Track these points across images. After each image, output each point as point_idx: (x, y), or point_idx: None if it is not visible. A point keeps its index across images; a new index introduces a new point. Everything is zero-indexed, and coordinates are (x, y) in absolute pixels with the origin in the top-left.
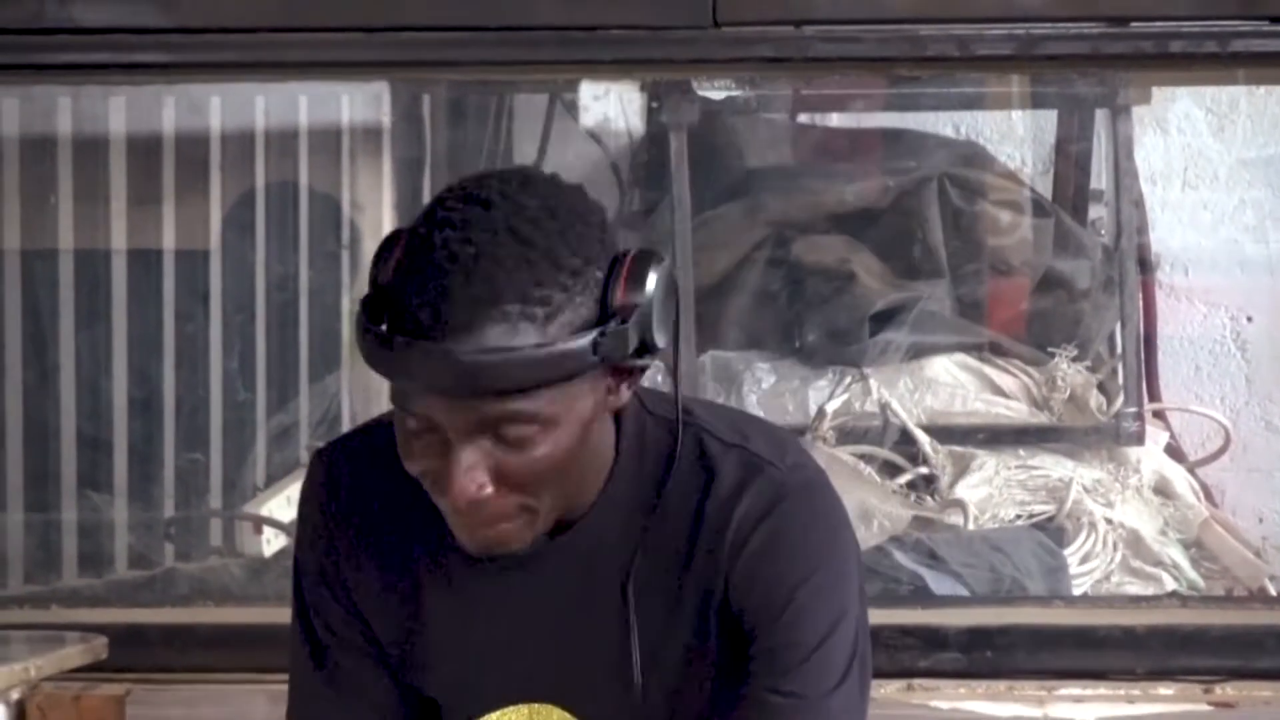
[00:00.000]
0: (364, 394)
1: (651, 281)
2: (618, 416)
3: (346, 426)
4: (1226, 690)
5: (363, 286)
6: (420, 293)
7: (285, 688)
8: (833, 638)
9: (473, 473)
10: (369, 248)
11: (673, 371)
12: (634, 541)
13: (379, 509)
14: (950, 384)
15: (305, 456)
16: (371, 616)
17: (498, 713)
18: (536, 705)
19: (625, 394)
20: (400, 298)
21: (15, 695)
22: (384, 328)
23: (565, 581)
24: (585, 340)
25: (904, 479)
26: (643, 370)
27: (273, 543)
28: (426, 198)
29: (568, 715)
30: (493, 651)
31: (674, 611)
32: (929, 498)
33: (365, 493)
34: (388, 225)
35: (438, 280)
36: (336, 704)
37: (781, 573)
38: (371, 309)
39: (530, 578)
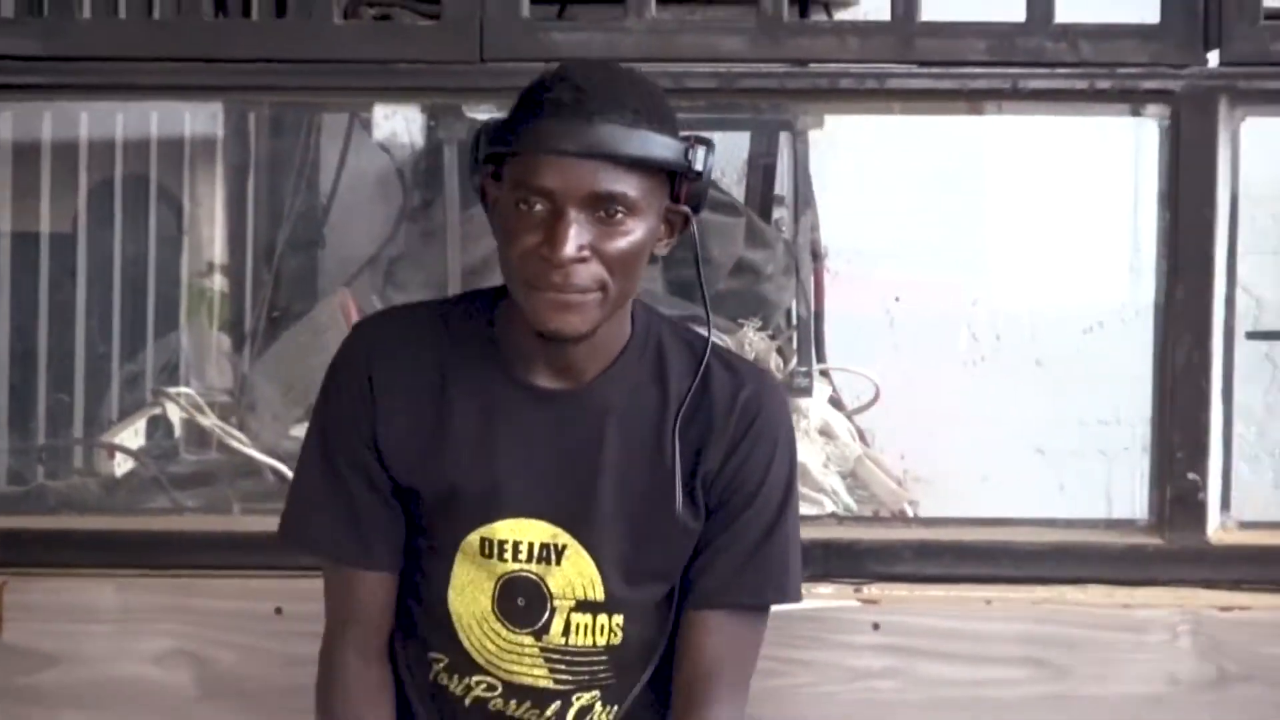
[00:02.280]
0: (198, 349)
1: (711, 159)
2: (632, 311)
3: (183, 374)
4: (872, 590)
5: (197, 265)
6: (573, 92)
7: (127, 578)
8: (791, 503)
9: (578, 235)
10: (204, 234)
11: (698, 277)
12: (652, 395)
13: (411, 357)
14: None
15: (150, 398)
16: (390, 442)
17: (512, 519)
18: (544, 521)
19: (666, 247)
20: (558, 94)
21: None
22: (540, 118)
23: (578, 426)
24: (680, 142)
25: None
26: (685, 225)
27: (122, 465)
28: (252, 197)
29: (565, 533)
30: (512, 470)
31: (659, 468)
32: None
33: (398, 348)
34: (220, 217)
35: (578, 82)
36: (343, 524)
37: (767, 459)
38: (526, 110)
39: (549, 417)
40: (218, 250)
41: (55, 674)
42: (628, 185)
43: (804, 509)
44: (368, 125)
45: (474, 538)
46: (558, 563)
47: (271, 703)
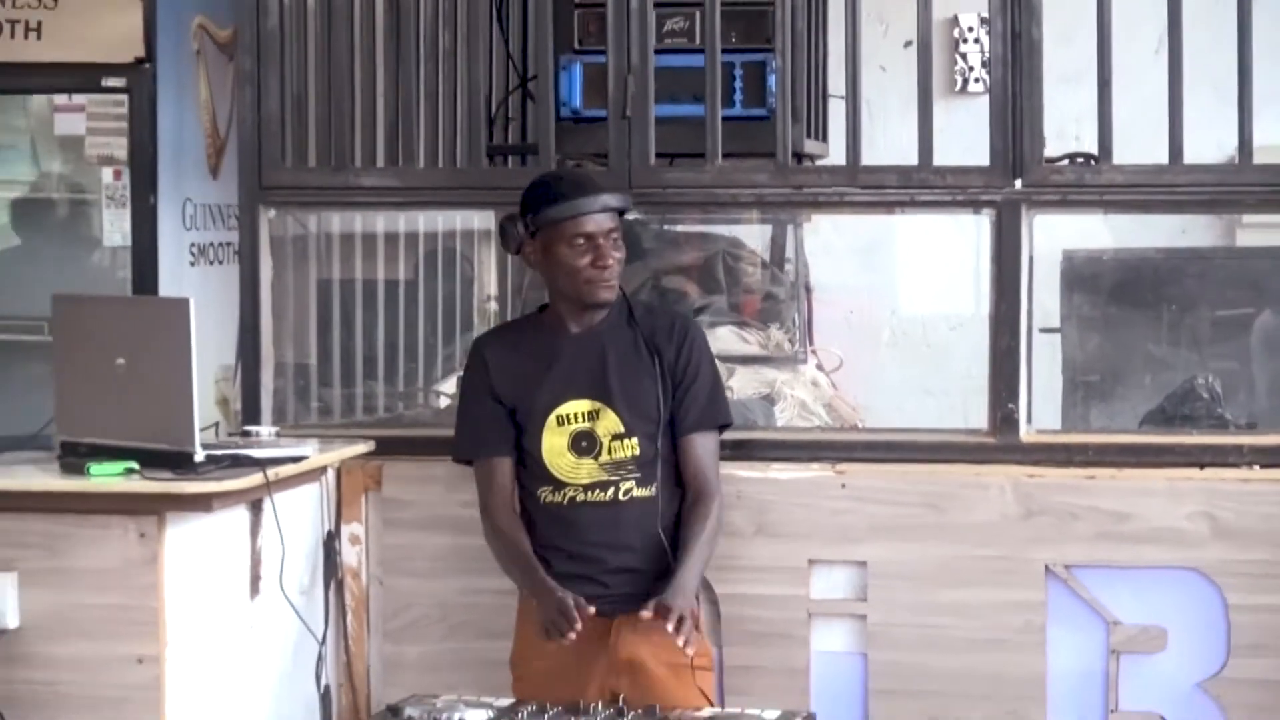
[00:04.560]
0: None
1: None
2: None
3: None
4: (840, 466)
5: (481, 296)
6: (577, 186)
7: (444, 462)
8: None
9: (614, 253)
10: (485, 280)
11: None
12: (627, 331)
13: (500, 341)
14: (727, 338)
15: (458, 367)
16: (499, 387)
17: (570, 402)
18: (581, 401)
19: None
20: (569, 189)
21: (336, 466)
22: (571, 201)
23: (592, 350)
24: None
25: None
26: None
27: (445, 402)
28: (510, 261)
29: (596, 404)
30: (566, 377)
31: (641, 360)
32: None
33: (495, 337)
34: (493, 270)
35: (579, 183)
36: (480, 438)
37: (700, 352)
38: (549, 206)
39: (577, 348)
40: (492, 287)
41: (411, 511)
42: (615, 221)
43: (800, 423)
44: None
45: (552, 417)
46: (598, 419)
47: None
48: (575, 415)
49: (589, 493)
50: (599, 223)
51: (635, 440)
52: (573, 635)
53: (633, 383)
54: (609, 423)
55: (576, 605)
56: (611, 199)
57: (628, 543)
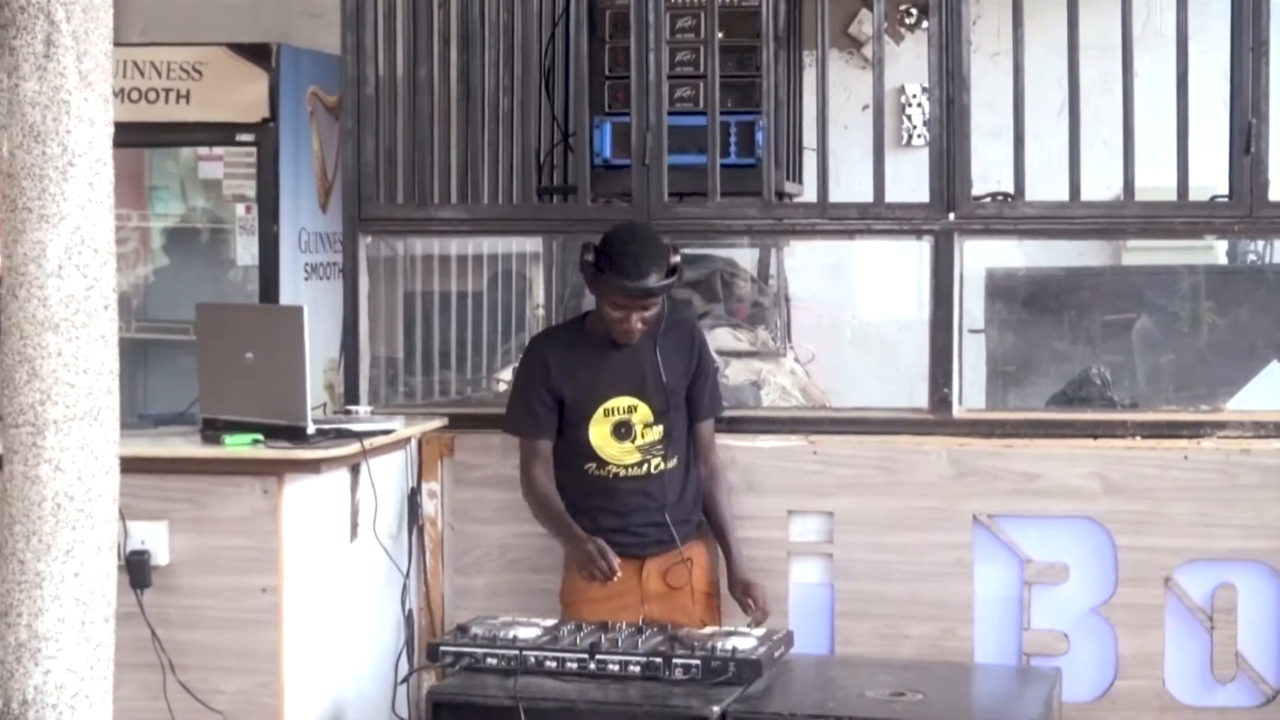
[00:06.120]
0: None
1: (678, 263)
2: None
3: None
4: (813, 438)
5: (532, 304)
6: (633, 262)
7: (503, 435)
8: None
9: (640, 323)
10: (536, 291)
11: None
12: (647, 345)
13: (558, 343)
14: (723, 337)
15: (514, 359)
16: (555, 383)
17: (615, 398)
18: (623, 398)
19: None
20: (625, 264)
21: (418, 437)
22: (621, 277)
23: (629, 357)
24: (670, 275)
25: None
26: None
27: (503, 386)
28: (555, 275)
29: (634, 400)
30: (605, 377)
31: (665, 363)
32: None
33: (553, 339)
34: (540, 283)
35: (636, 259)
36: (535, 422)
37: (706, 357)
38: (608, 269)
39: (619, 354)
40: (540, 298)
41: (476, 473)
42: (654, 300)
43: (781, 403)
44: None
45: (600, 410)
46: (635, 411)
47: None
48: (618, 409)
49: (628, 469)
50: (635, 302)
51: (661, 427)
52: (617, 576)
53: (658, 382)
54: (642, 414)
55: (603, 552)
56: (653, 283)
57: (656, 503)
